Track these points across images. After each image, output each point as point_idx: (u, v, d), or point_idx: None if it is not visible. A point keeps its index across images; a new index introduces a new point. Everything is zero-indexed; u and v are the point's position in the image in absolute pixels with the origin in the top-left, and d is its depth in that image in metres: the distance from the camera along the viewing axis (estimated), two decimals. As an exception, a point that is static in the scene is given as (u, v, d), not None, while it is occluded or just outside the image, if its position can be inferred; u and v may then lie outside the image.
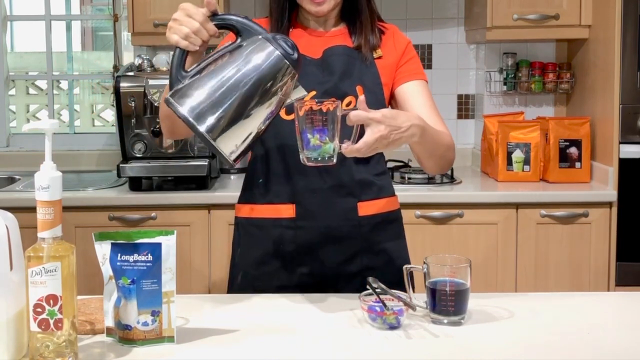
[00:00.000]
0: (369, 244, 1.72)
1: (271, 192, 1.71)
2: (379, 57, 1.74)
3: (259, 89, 1.40)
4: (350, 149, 1.40)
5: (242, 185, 1.80)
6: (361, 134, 1.41)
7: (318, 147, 1.40)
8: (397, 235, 1.79)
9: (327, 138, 1.39)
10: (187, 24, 1.44)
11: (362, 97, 1.44)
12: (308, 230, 1.69)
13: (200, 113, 1.37)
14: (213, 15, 1.45)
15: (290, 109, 1.64)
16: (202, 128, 1.37)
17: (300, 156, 1.42)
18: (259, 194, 1.73)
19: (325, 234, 1.69)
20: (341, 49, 1.73)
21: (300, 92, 1.46)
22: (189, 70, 1.44)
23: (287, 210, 1.70)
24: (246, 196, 1.77)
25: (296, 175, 1.68)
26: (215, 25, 1.45)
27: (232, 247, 1.81)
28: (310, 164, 1.42)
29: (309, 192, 1.68)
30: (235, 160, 1.42)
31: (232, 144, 1.40)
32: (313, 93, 1.67)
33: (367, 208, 1.72)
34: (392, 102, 1.78)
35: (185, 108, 1.37)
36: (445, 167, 1.73)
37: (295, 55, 1.43)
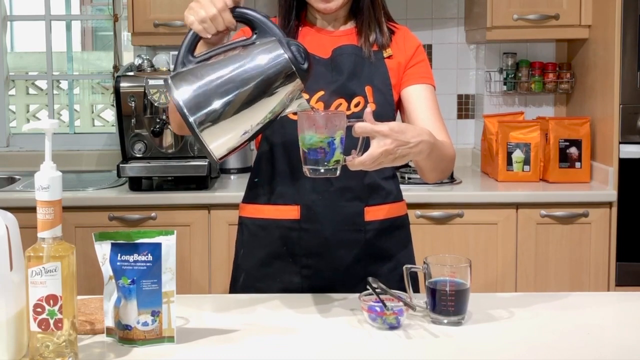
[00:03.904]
0: (374, 249, 1.70)
1: (276, 193, 1.69)
2: (389, 57, 1.71)
3: (260, 91, 1.36)
4: (354, 161, 1.36)
5: (246, 185, 1.78)
6: (367, 146, 1.37)
7: (320, 158, 1.36)
8: (404, 241, 1.76)
9: (330, 149, 1.35)
10: (206, 8, 1.42)
11: (368, 109, 1.40)
12: (312, 233, 1.67)
13: (194, 101, 1.35)
14: (235, 8, 1.44)
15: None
16: (192, 117, 1.34)
17: (303, 167, 1.39)
18: (263, 194, 1.71)
19: (330, 238, 1.67)
20: (350, 49, 1.70)
21: (301, 102, 1.42)
22: (197, 55, 1.42)
23: (291, 212, 1.68)
24: (250, 196, 1.75)
25: (302, 176, 1.61)
26: (235, 17, 1.44)
27: (235, 247, 1.79)
28: (312, 175, 1.38)
29: (314, 194, 1.66)
30: (220, 158, 1.39)
31: (219, 140, 1.37)
32: (321, 93, 1.65)
33: (374, 213, 1.70)
34: (399, 105, 1.74)
35: (180, 93, 1.35)
36: (444, 177, 1.71)
37: (305, 66, 1.39)
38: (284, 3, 1.72)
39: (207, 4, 1.42)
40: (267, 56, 1.38)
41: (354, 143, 1.39)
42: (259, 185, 1.72)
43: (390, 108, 1.69)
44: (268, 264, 1.71)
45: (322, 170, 1.37)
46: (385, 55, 1.71)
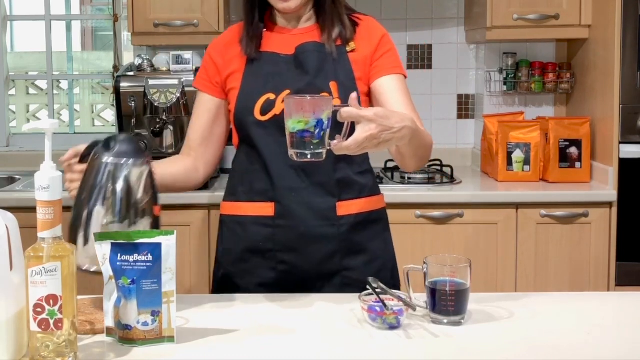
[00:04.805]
0: (348, 243, 1.72)
1: (252, 191, 1.73)
2: (352, 51, 1.73)
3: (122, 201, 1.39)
4: (339, 146, 1.39)
5: (226, 184, 1.82)
6: (352, 131, 1.40)
7: (307, 143, 1.38)
8: (380, 234, 1.78)
9: (315, 134, 1.37)
10: (66, 182, 1.50)
11: (354, 94, 1.43)
12: (286, 229, 1.70)
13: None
14: (81, 157, 1.49)
15: (266, 109, 1.67)
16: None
17: (289, 152, 1.41)
18: (242, 192, 1.75)
19: (304, 233, 1.69)
20: (312, 46, 1.72)
21: (142, 169, 1.43)
22: None
23: (266, 209, 1.71)
24: (229, 194, 1.79)
25: (275, 174, 1.69)
26: (84, 162, 1.47)
27: (217, 245, 1.84)
28: (298, 159, 1.40)
29: (287, 191, 1.69)
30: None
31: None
32: (287, 92, 1.67)
33: (347, 207, 1.72)
34: (371, 97, 1.76)
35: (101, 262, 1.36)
36: (422, 165, 1.74)
37: (116, 147, 1.40)
38: (246, 4, 1.75)
39: (67, 182, 1.50)
40: (100, 172, 1.40)
41: (339, 129, 1.41)
42: (237, 183, 1.76)
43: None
44: (245, 260, 1.74)
45: (309, 155, 1.39)
46: (348, 49, 1.73)
